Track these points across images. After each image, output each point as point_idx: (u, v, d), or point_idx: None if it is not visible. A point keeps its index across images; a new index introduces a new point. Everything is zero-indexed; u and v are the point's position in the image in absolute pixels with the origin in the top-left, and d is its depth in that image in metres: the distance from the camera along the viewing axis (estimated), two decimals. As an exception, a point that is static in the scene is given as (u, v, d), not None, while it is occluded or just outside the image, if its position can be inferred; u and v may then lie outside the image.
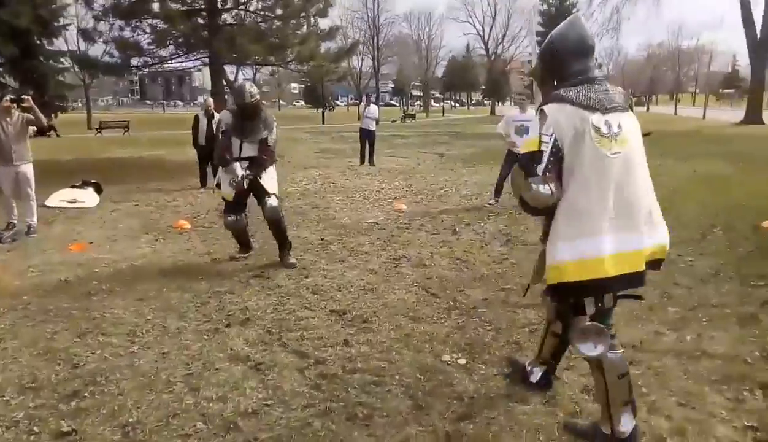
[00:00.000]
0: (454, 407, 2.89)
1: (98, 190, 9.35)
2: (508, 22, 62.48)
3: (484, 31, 64.03)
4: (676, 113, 50.09)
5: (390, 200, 9.10)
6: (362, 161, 14.23)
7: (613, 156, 2.33)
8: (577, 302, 2.48)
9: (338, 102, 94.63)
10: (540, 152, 2.37)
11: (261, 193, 5.41)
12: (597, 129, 2.32)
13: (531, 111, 8.24)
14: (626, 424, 2.51)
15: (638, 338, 3.64)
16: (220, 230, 6.26)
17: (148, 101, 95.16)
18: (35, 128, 7.19)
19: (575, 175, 2.34)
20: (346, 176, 12.23)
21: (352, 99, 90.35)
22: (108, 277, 5.10)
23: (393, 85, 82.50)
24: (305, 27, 15.14)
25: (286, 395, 3.01)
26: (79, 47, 17.27)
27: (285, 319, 4.08)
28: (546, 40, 2.60)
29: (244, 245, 5.78)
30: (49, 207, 8.29)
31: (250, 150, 5.33)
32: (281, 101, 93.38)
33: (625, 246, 2.36)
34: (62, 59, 12.34)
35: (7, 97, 6.85)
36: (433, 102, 78.00)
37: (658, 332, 3.74)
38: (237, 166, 5.28)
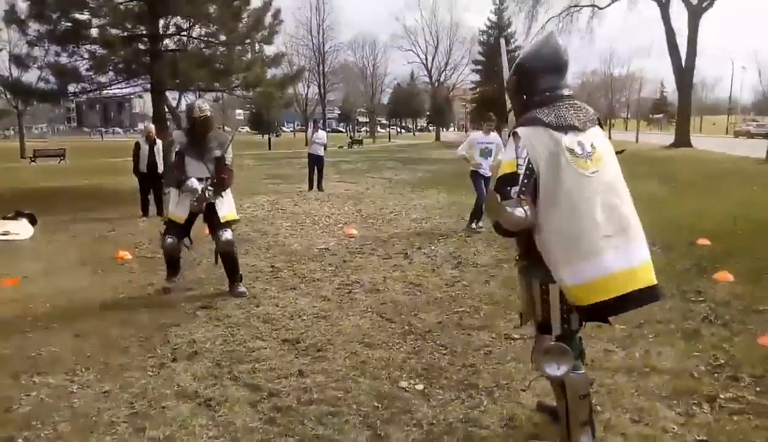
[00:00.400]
0: (414, 435, 2.84)
1: (32, 221, 8.86)
2: (450, 50, 64.16)
3: (427, 59, 65.47)
4: (610, 137, 52.23)
5: (340, 225, 9.05)
6: (311, 187, 14.14)
7: (593, 175, 2.34)
8: (542, 323, 2.48)
9: (284, 128, 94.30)
10: (515, 174, 2.36)
11: (215, 222, 5.27)
12: (571, 151, 2.34)
13: (494, 134, 8.42)
14: None
15: (589, 357, 3.66)
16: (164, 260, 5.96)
17: (85, 128, 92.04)
18: None
19: (559, 200, 2.31)
20: (295, 202, 12.10)
21: (298, 125, 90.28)
22: (44, 313, 4.80)
23: (339, 112, 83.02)
24: (250, 53, 15.06)
25: (239, 432, 2.87)
26: (11, 73, 16.50)
27: (235, 350, 3.93)
28: (521, 55, 2.62)
29: (173, 271, 5.53)
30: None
31: (205, 170, 5.18)
32: (226, 128, 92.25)
33: (629, 261, 2.34)
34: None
35: None
36: (379, 128, 78.81)
37: (607, 350, 3.82)
38: (195, 181, 5.09)
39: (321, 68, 44.17)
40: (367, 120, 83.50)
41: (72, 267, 6.51)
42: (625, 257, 2.33)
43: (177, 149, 5.18)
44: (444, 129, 71.60)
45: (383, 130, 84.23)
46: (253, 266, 6.39)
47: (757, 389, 3.17)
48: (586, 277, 2.29)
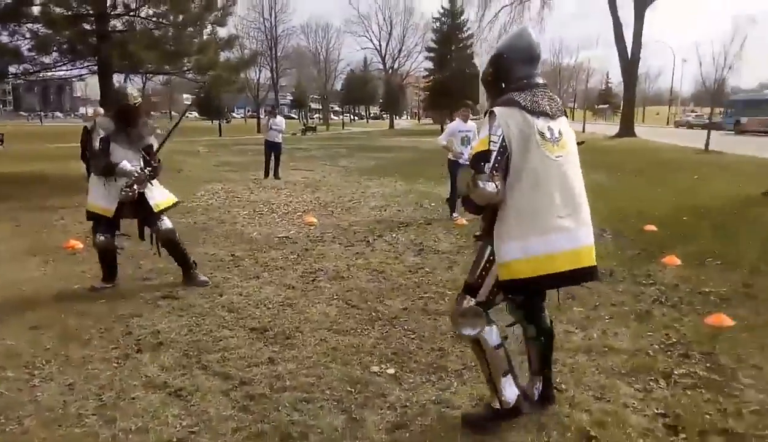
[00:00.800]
0: (388, 417, 2.90)
1: (-28, 209, 8.42)
2: (404, 37, 64.32)
3: (380, 45, 65.42)
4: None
5: (299, 214, 8.99)
6: (267, 174, 13.95)
7: (557, 159, 2.53)
8: (472, 285, 2.67)
9: (234, 114, 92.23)
10: (489, 151, 2.48)
11: (149, 213, 4.96)
12: (542, 134, 2.51)
13: (471, 122, 8.45)
14: (510, 392, 2.71)
15: (551, 338, 3.84)
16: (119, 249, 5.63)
17: (23, 113, 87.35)
18: None
19: (523, 177, 2.48)
20: (251, 190, 11.93)
21: (248, 111, 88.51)
22: (-8, 305, 4.60)
23: (292, 98, 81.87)
24: (202, 35, 14.64)
25: (213, 420, 2.86)
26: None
27: (202, 340, 3.89)
28: (497, 47, 2.79)
29: (110, 273, 5.07)
30: None
31: (134, 159, 4.81)
32: (173, 112, 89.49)
33: (576, 243, 2.55)
34: None
35: None
36: (332, 115, 78.28)
37: (567, 331, 3.98)
38: (127, 164, 4.71)
39: (273, 52, 43.36)
40: (320, 107, 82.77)
41: (19, 257, 6.23)
42: (573, 238, 2.53)
43: (102, 135, 4.74)
44: (397, 117, 71.70)
45: (336, 118, 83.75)
46: (213, 255, 6.29)
47: (707, 364, 3.38)
48: (534, 251, 2.48)
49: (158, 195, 5.02)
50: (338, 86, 79.97)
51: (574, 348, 3.69)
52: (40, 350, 3.69)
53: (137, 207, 4.89)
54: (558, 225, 2.49)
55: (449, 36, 49.61)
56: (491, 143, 2.49)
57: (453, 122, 9.18)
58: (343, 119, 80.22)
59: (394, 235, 7.32)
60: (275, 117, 14.06)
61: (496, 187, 2.45)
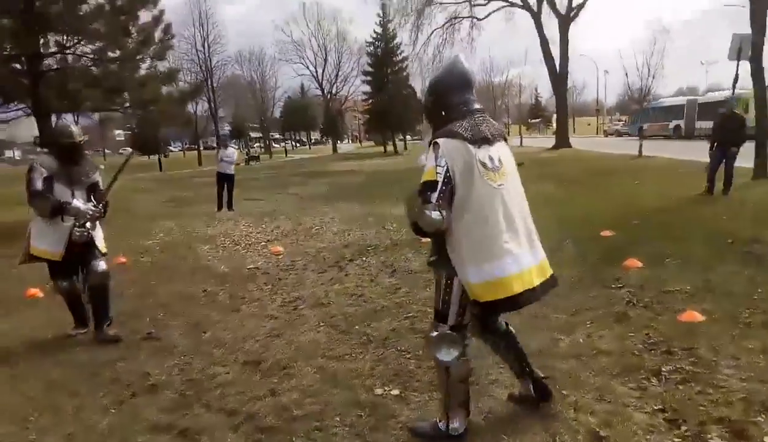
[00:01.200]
0: (403, 438, 2.95)
1: None
2: (339, 62, 64.86)
3: (317, 71, 65.66)
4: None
5: (263, 243, 8.92)
6: (220, 207, 13.71)
7: (499, 187, 2.68)
8: (440, 312, 2.81)
9: (172, 148, 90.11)
10: (435, 181, 2.60)
11: (91, 251, 4.70)
12: (483, 164, 2.65)
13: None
14: (460, 423, 2.87)
15: (538, 346, 3.98)
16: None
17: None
18: None
19: (470, 206, 2.61)
20: (207, 224, 11.70)
21: (186, 144, 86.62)
22: (-38, 361, 4.35)
23: (230, 128, 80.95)
24: (141, 70, 14.38)
25: (229, 457, 2.83)
26: None
27: (196, 379, 3.82)
28: (433, 77, 3.01)
29: (82, 318, 4.84)
30: None
31: (80, 198, 4.60)
32: (124, 150, 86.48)
33: (521, 266, 2.69)
34: None
35: None
36: (273, 143, 77.83)
37: (553, 338, 4.14)
38: (79, 203, 4.49)
39: (210, 83, 42.80)
40: (260, 135, 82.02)
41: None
42: (519, 262, 2.68)
43: (45, 175, 4.46)
44: (339, 141, 72.01)
45: (278, 145, 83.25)
46: (184, 293, 6.16)
47: (691, 359, 3.61)
48: (487, 276, 2.63)
49: (99, 238, 4.80)
50: (277, 114, 79.60)
51: (564, 354, 3.85)
52: (26, 401, 3.54)
53: (84, 248, 4.64)
54: (505, 249, 2.64)
55: (384, 59, 50.47)
56: (437, 174, 2.61)
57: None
58: (285, 147, 79.77)
59: (364, 258, 7.38)
60: (226, 149, 13.89)
61: (442, 215, 2.58)
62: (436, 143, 2.66)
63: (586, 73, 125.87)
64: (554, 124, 52.70)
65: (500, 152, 2.75)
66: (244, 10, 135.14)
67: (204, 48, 44.75)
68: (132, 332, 4.86)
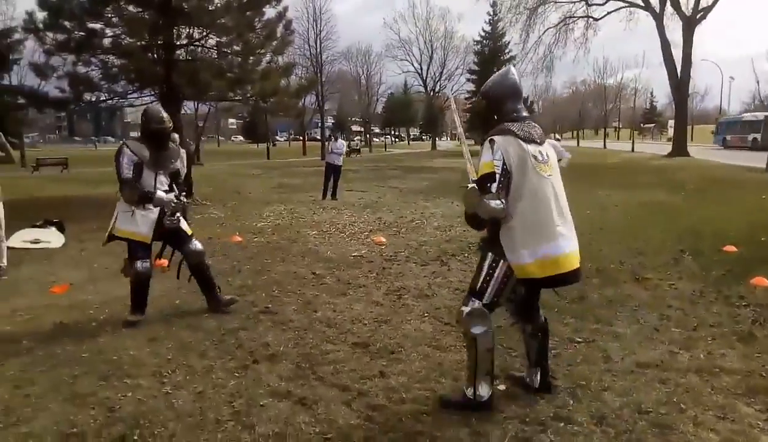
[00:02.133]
0: (511, 432, 2.97)
1: (61, 229, 8.93)
2: (445, 60, 64.72)
3: (422, 68, 66.01)
4: (605, 147, 52.99)
5: (366, 233, 9.17)
6: (324, 195, 14.26)
7: (548, 177, 3.00)
8: (477, 289, 3.09)
9: (278, 138, 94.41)
10: (493, 174, 2.91)
11: (181, 235, 4.91)
12: (535, 157, 2.96)
13: (547, 139, 8.48)
14: (485, 390, 3.12)
15: (657, 358, 3.85)
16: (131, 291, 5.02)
17: (77, 138, 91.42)
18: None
19: (525, 194, 2.92)
20: (313, 211, 12.21)
21: (291, 134, 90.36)
22: (106, 318, 4.90)
23: (333, 121, 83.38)
24: (263, 63, 15.21)
25: (344, 429, 2.99)
26: (21, 81, 16.56)
27: (311, 353, 4.04)
28: (487, 85, 3.25)
29: (141, 305, 4.82)
30: (11, 248, 7.81)
31: (165, 184, 4.79)
32: (220, 137, 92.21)
33: (571, 247, 3.03)
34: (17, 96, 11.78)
35: None
36: (373, 137, 79.34)
37: (672, 352, 3.96)
38: (162, 194, 4.68)
39: (319, 77, 44.28)
40: (361, 129, 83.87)
41: (114, 275, 6.50)
42: (568, 243, 3.01)
43: (136, 160, 4.60)
44: (438, 138, 72.04)
45: (377, 139, 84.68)
46: (295, 273, 6.50)
47: (828, 386, 3.33)
48: (541, 256, 2.93)
49: (184, 223, 4.99)
50: (379, 109, 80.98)
51: (684, 368, 3.68)
52: (163, 360, 3.92)
53: (170, 232, 4.87)
54: (558, 232, 2.96)
55: (491, 58, 49.89)
56: (495, 167, 2.90)
57: None
58: (385, 141, 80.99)
59: (466, 254, 7.39)
60: (336, 141, 14.49)
61: (502, 203, 2.88)
62: (492, 140, 2.95)
63: (709, 78, 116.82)
64: (669, 131, 49.54)
65: (547, 150, 3.07)
66: (353, 7, 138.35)
67: (316, 43, 46.25)
68: (251, 304, 5.22)
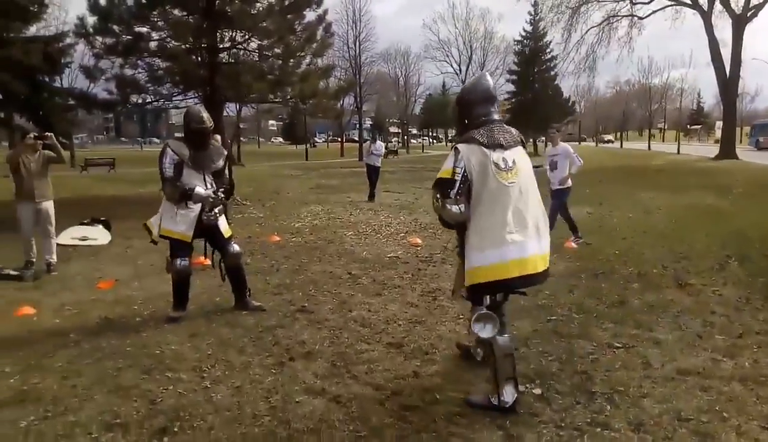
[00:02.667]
0: (546, 436, 2.94)
1: (107, 227, 9.25)
2: (484, 61, 64.14)
3: (460, 69, 65.52)
4: (649, 149, 51.60)
5: (402, 234, 9.20)
6: (372, 197, 14.28)
7: (510, 185, 3.10)
8: (476, 297, 3.20)
9: (317, 139, 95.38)
10: (453, 180, 3.07)
11: (219, 236, 5.01)
12: (497, 165, 3.08)
13: (562, 145, 8.35)
14: (509, 395, 3.12)
15: (699, 365, 3.74)
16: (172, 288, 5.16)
17: (123, 139, 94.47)
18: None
19: (482, 201, 3.08)
20: (350, 212, 12.31)
21: (330, 136, 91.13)
22: (150, 313, 5.07)
23: (371, 122, 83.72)
24: (302, 65, 15.41)
25: (377, 428, 3.02)
26: (71, 83, 17.26)
27: (345, 352, 4.09)
28: (460, 91, 3.48)
29: (183, 301, 4.96)
30: (60, 245, 8.15)
31: (205, 183, 4.86)
32: (260, 138, 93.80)
33: (522, 253, 3.08)
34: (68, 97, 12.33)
35: (31, 135, 6.83)
36: (411, 139, 79.31)
37: (715, 359, 3.85)
38: (201, 190, 4.75)
39: (357, 79, 44.55)
40: (398, 130, 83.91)
41: (158, 271, 6.73)
42: (521, 250, 3.08)
43: (176, 160, 4.72)
44: (476, 140, 71.42)
45: (415, 141, 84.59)
46: (331, 273, 6.57)
47: None
48: (490, 260, 3.06)
49: (223, 223, 5.06)
50: (417, 110, 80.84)
51: (727, 377, 3.57)
52: (203, 355, 4.03)
53: (210, 231, 4.98)
54: (509, 239, 3.05)
55: (531, 58, 49.14)
56: (455, 173, 3.07)
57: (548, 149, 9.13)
58: (422, 142, 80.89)
59: (503, 257, 7.31)
60: (375, 143, 14.62)
61: (460, 208, 3.07)
62: (456, 148, 3.13)
63: (761, 78, 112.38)
64: (717, 132, 47.91)
65: (515, 156, 3.16)
66: (393, 9, 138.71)
67: (355, 45, 46.55)
68: (288, 303, 5.31)
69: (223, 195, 4.96)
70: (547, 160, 8.27)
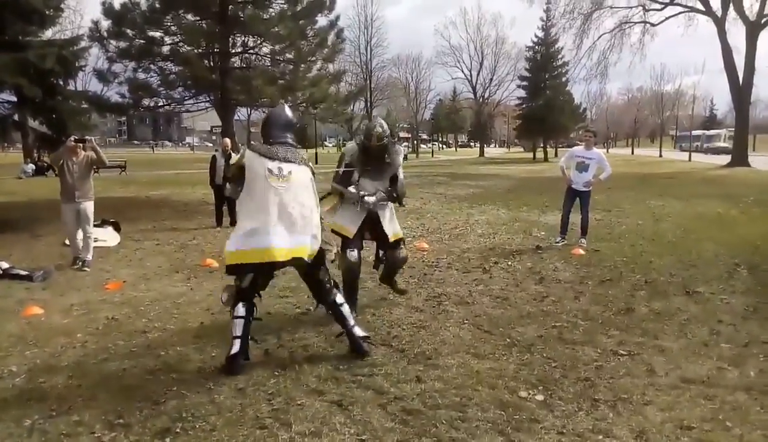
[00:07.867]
0: (547, 442, 2.93)
1: (117, 228, 9.34)
2: (495, 66, 64.20)
3: (471, 75, 65.62)
4: (661, 156, 51.25)
5: (409, 239, 9.17)
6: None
7: (278, 187, 3.76)
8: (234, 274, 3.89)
9: (326, 143, 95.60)
10: (242, 167, 3.80)
11: (385, 239, 5.12)
12: (270, 170, 3.76)
13: (596, 150, 8.45)
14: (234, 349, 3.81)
15: (704, 374, 3.72)
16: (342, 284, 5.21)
17: (135, 141, 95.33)
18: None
19: (252, 196, 3.74)
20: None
21: (341, 140, 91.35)
22: (156, 315, 5.10)
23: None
24: (313, 70, 15.49)
25: (378, 431, 3.02)
26: (85, 87, 17.46)
27: (348, 356, 4.10)
28: (267, 113, 4.28)
29: (354, 297, 5.01)
30: (66, 245, 8.23)
31: (371, 187, 5.02)
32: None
33: (266, 244, 3.64)
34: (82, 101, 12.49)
35: (72, 138, 7.17)
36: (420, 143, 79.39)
37: (720, 368, 3.83)
38: (350, 188, 4.97)
39: (368, 84, 44.78)
40: (408, 135, 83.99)
41: (166, 273, 6.83)
42: (266, 240, 3.66)
43: (347, 161, 5.04)
44: (486, 145, 71.38)
45: (425, 146, 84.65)
46: (337, 276, 6.56)
47: None
48: (240, 246, 3.70)
49: (389, 225, 5.16)
50: (427, 115, 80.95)
51: (732, 386, 3.55)
52: (207, 356, 4.06)
53: (374, 231, 5.14)
54: (261, 230, 3.66)
55: (543, 64, 49.00)
56: (240, 167, 3.81)
57: (575, 147, 9.13)
58: (432, 147, 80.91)
59: (509, 263, 7.31)
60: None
61: (233, 190, 3.91)
62: (245, 149, 3.90)
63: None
64: (722, 141, 47.55)
65: (291, 168, 3.83)
66: (404, 14, 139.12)
67: (366, 51, 46.86)
68: (293, 306, 5.34)
69: (381, 197, 5.12)
70: (576, 160, 8.34)
